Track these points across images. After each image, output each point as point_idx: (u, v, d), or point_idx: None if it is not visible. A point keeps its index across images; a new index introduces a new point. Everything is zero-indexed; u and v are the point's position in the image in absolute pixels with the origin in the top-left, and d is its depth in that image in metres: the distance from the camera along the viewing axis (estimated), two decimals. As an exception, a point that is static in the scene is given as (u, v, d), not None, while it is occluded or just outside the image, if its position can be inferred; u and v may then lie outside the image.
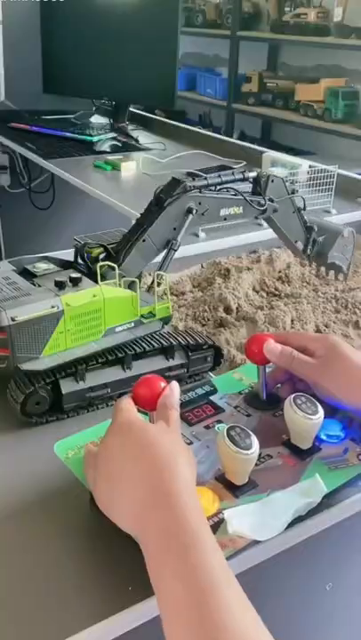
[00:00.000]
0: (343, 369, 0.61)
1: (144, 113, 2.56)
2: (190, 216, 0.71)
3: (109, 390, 0.70)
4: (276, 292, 1.04)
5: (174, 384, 0.56)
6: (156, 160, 1.88)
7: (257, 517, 0.52)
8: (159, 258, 0.73)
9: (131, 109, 2.35)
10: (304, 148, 3.76)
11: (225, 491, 0.54)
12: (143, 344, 0.71)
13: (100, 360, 0.68)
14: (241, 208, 0.76)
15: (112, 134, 2.09)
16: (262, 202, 0.77)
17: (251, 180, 0.78)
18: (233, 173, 0.77)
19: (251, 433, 0.54)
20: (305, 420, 0.57)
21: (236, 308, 0.95)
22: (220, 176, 0.75)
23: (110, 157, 1.86)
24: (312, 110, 3.52)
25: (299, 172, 1.59)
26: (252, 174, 0.78)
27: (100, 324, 0.67)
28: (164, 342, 0.73)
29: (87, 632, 0.46)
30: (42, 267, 0.70)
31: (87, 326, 0.66)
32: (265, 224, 1.25)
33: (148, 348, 0.71)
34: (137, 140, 2.12)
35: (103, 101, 2.29)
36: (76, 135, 2.08)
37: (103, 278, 0.67)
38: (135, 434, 0.50)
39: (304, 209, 0.83)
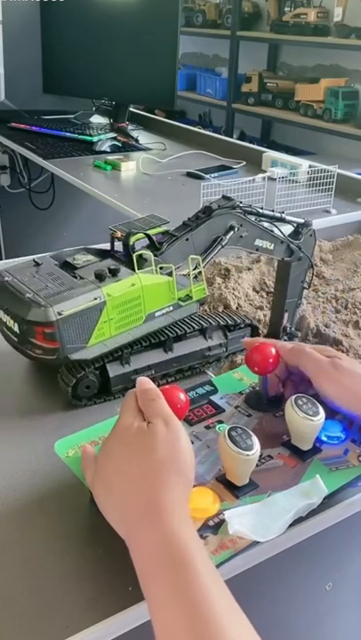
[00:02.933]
0: (350, 375, 0.60)
1: (144, 113, 2.56)
2: (231, 232, 0.74)
3: (153, 372, 0.74)
4: (277, 293, 1.03)
5: (141, 382, 0.56)
6: (156, 160, 1.88)
7: (258, 518, 0.52)
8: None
9: (131, 109, 2.35)
10: (304, 148, 3.77)
11: (226, 491, 0.54)
12: (184, 326, 0.75)
13: (143, 344, 0.72)
14: (273, 245, 0.79)
15: (112, 134, 2.09)
16: (294, 247, 0.81)
17: (295, 224, 0.82)
18: (281, 213, 0.80)
19: (252, 434, 0.54)
20: (306, 422, 0.57)
21: (236, 308, 0.95)
22: (264, 209, 0.79)
23: (110, 157, 1.86)
24: (312, 110, 3.52)
25: (299, 172, 1.59)
26: (299, 220, 0.83)
27: (140, 311, 0.70)
28: (203, 323, 0.76)
29: (87, 632, 0.46)
30: (81, 258, 0.73)
31: (128, 314, 0.69)
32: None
33: (188, 330, 0.75)
34: (137, 140, 2.12)
35: (103, 101, 2.29)
36: (76, 135, 2.08)
37: (141, 265, 0.69)
38: (135, 441, 0.50)
39: (308, 287, 0.87)
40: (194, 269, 0.73)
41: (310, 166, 1.56)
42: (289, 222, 0.82)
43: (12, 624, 0.46)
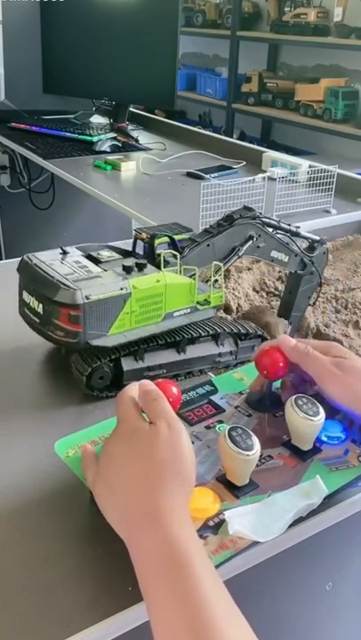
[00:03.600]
0: (354, 375, 0.60)
1: (144, 113, 2.56)
2: (250, 242, 0.77)
3: (165, 371, 0.75)
4: (276, 292, 1.04)
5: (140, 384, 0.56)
6: (156, 160, 1.88)
7: (258, 518, 0.52)
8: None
9: (131, 109, 2.35)
10: (304, 147, 3.77)
11: (226, 491, 0.54)
12: (198, 329, 0.76)
13: (159, 342, 0.73)
14: (288, 257, 0.82)
15: (112, 134, 2.09)
16: (308, 262, 0.84)
17: (310, 240, 0.86)
18: (297, 228, 0.84)
19: (252, 434, 0.54)
20: (306, 422, 0.57)
21: (236, 308, 0.95)
22: (289, 225, 0.83)
23: (110, 157, 1.86)
24: (312, 110, 3.53)
25: (299, 171, 1.59)
26: (315, 237, 0.86)
27: (160, 308, 0.71)
28: (217, 329, 0.78)
29: (87, 632, 0.46)
30: (105, 254, 0.74)
31: (150, 309, 0.70)
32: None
33: (202, 334, 0.76)
34: (137, 140, 2.12)
35: (103, 101, 2.29)
36: (76, 135, 2.08)
37: (165, 265, 0.71)
38: (138, 441, 0.50)
39: (313, 304, 0.92)
40: (215, 275, 0.76)
41: (310, 166, 1.56)
42: (305, 237, 0.85)
43: (12, 624, 0.46)
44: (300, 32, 3.47)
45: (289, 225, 0.82)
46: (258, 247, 0.79)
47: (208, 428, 0.62)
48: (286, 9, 3.56)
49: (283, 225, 0.81)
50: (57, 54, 2.31)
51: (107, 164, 1.81)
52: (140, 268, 0.70)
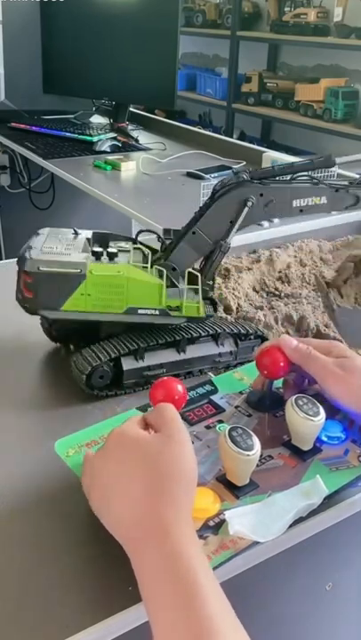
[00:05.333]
0: (354, 374, 0.60)
1: (144, 113, 2.56)
2: (246, 208, 0.67)
3: (165, 370, 0.75)
4: (276, 292, 1.04)
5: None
6: (156, 160, 1.88)
7: (258, 518, 0.52)
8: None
9: (131, 109, 2.35)
10: (304, 147, 3.77)
11: (226, 491, 0.54)
12: (198, 329, 0.76)
13: (159, 342, 0.73)
14: (324, 198, 0.69)
15: (112, 134, 2.09)
16: (353, 191, 0.69)
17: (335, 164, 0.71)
18: (312, 161, 0.70)
19: (252, 434, 0.54)
20: (306, 422, 0.57)
21: (236, 308, 0.95)
22: (293, 164, 0.69)
23: (110, 157, 1.86)
24: (312, 110, 3.53)
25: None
26: (352, 159, 0.72)
27: (122, 300, 0.71)
28: (217, 329, 0.77)
29: (87, 632, 0.46)
30: (120, 244, 0.76)
31: (109, 297, 0.70)
32: (265, 224, 1.25)
33: (202, 334, 0.76)
34: (137, 140, 2.12)
35: (103, 101, 2.29)
36: (76, 135, 2.08)
37: (141, 259, 0.72)
38: (136, 448, 0.49)
39: None
40: (189, 284, 0.72)
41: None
42: (329, 165, 0.70)
43: (12, 624, 0.46)
44: (300, 32, 3.47)
45: (292, 164, 0.68)
46: (267, 207, 0.68)
47: (208, 427, 0.62)
48: (286, 9, 3.57)
49: (293, 167, 0.68)
50: (57, 54, 2.31)
51: (107, 163, 1.81)
52: (111, 257, 0.71)
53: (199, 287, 0.73)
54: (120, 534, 0.48)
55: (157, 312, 0.72)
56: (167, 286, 0.71)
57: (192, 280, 0.73)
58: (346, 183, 0.70)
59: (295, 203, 0.69)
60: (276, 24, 3.65)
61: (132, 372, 0.72)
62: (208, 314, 0.75)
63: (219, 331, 0.78)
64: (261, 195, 0.68)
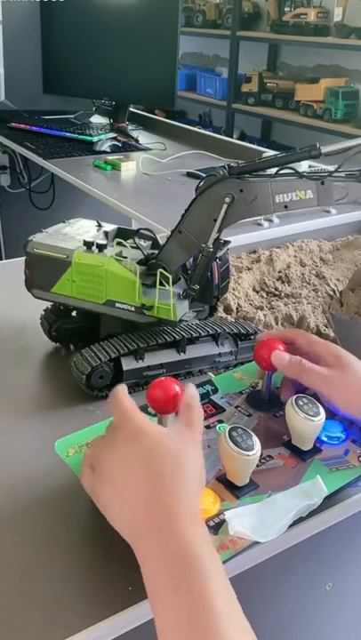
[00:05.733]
0: (352, 383, 0.60)
1: (144, 113, 2.56)
2: (225, 206, 0.64)
3: (165, 370, 0.75)
4: (276, 292, 1.04)
5: (192, 386, 0.55)
6: (156, 160, 1.88)
7: (258, 518, 0.52)
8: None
9: (131, 109, 2.35)
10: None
11: (226, 491, 0.54)
12: (198, 330, 0.76)
13: (158, 342, 0.73)
14: (310, 192, 0.63)
15: (112, 134, 2.09)
16: (341, 183, 0.63)
17: (346, 148, 0.63)
18: (298, 151, 0.63)
19: (252, 434, 0.54)
20: (306, 422, 0.57)
21: (236, 308, 0.95)
22: (276, 157, 0.63)
23: (110, 157, 1.86)
24: (312, 110, 3.53)
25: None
26: (352, 142, 0.63)
27: (101, 291, 0.73)
28: (217, 329, 0.78)
29: (87, 632, 0.46)
30: (140, 242, 0.77)
31: (90, 287, 0.73)
32: (265, 224, 1.25)
33: (202, 334, 0.76)
34: (137, 140, 2.12)
35: (103, 101, 2.29)
36: (76, 135, 2.08)
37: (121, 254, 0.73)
38: (147, 443, 0.48)
39: None
40: (161, 285, 0.70)
41: (310, 166, 1.55)
42: (314, 156, 0.63)
43: (12, 624, 0.46)
44: (300, 32, 3.47)
45: (276, 155, 0.64)
46: (251, 204, 0.63)
47: (208, 427, 0.62)
48: (286, 9, 3.56)
49: (269, 160, 0.63)
50: (57, 54, 2.31)
51: (107, 163, 1.81)
52: (100, 248, 0.73)
53: (170, 289, 0.70)
54: (128, 531, 0.47)
55: (133, 308, 0.73)
56: (149, 286, 0.71)
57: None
58: (329, 173, 0.64)
59: (278, 198, 0.64)
60: (276, 24, 3.65)
61: (131, 373, 0.73)
62: (151, 320, 0.73)
63: (219, 331, 0.78)
64: (242, 190, 0.64)
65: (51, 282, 0.74)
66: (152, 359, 0.74)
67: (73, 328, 0.79)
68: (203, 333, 0.76)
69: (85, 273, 0.73)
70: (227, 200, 0.64)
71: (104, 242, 0.73)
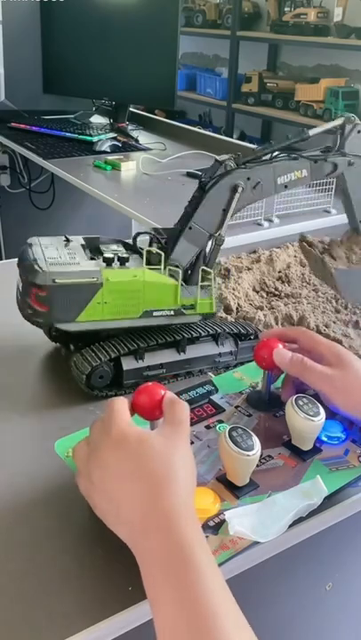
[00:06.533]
0: (353, 382, 0.60)
1: (144, 113, 2.56)
2: (236, 195, 0.69)
3: (164, 370, 0.75)
4: (276, 292, 1.04)
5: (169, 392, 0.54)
6: (156, 160, 1.88)
7: (258, 518, 0.52)
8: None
9: (131, 109, 2.35)
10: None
11: (226, 491, 0.54)
12: (198, 329, 0.76)
13: (158, 342, 0.73)
14: (305, 171, 0.73)
15: (112, 134, 2.09)
16: (337, 160, 0.74)
17: (328, 129, 0.75)
18: (288, 137, 0.74)
19: (252, 434, 0.54)
20: (306, 422, 0.57)
21: (236, 309, 0.95)
22: (271, 144, 0.73)
23: (110, 157, 1.86)
24: (312, 110, 3.53)
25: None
26: (334, 123, 0.76)
27: (138, 304, 0.71)
28: (217, 329, 0.77)
29: (87, 632, 0.46)
30: (112, 247, 0.75)
31: (125, 303, 0.70)
32: (266, 224, 1.25)
33: (202, 334, 0.76)
34: (137, 140, 2.12)
35: (103, 101, 2.29)
36: (76, 135, 2.08)
37: (152, 261, 0.71)
38: (130, 447, 0.48)
39: None
40: (202, 281, 0.73)
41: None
42: (304, 139, 0.74)
43: (12, 624, 0.46)
44: (300, 32, 3.47)
45: (271, 143, 0.73)
46: (255, 188, 0.70)
47: (208, 427, 0.62)
48: (286, 9, 3.57)
49: (273, 146, 0.72)
50: (57, 54, 2.31)
51: (107, 163, 1.81)
52: (123, 262, 0.70)
53: (212, 284, 0.73)
54: (125, 534, 0.47)
55: (172, 312, 0.73)
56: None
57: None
58: (319, 153, 0.75)
59: (280, 180, 0.72)
60: (276, 24, 3.65)
61: (132, 372, 0.72)
62: (193, 319, 0.75)
63: (219, 331, 0.78)
64: (249, 178, 0.70)
65: (77, 310, 0.68)
66: (152, 359, 0.74)
67: None
68: (203, 333, 0.76)
69: (119, 291, 0.69)
70: (239, 189, 0.69)
71: (127, 255, 0.71)
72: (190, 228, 0.71)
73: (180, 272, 0.71)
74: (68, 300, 0.68)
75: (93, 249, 0.74)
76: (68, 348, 0.80)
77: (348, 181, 0.79)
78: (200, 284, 0.73)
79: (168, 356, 0.75)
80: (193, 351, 0.77)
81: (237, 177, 0.70)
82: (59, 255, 0.70)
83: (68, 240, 0.74)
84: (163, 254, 0.71)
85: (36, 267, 0.67)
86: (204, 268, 0.73)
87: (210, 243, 0.72)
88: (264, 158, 0.72)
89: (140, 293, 0.70)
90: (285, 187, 0.72)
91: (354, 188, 0.80)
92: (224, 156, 0.70)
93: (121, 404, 0.52)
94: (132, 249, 0.76)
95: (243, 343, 0.80)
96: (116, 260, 0.70)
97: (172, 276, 0.72)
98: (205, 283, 0.73)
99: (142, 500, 0.46)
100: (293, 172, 0.72)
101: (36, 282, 0.66)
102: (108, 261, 0.70)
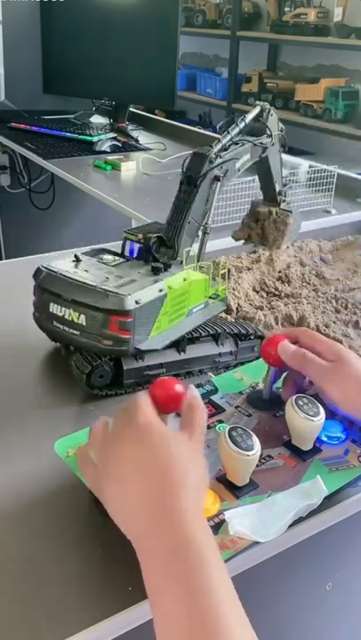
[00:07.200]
0: (350, 379, 0.60)
1: (144, 113, 2.56)
2: (218, 184, 0.75)
3: (165, 370, 0.74)
4: (276, 292, 1.04)
5: (194, 387, 0.55)
6: (156, 160, 1.88)
7: (258, 518, 0.52)
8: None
9: (131, 109, 2.35)
10: (304, 148, 3.76)
11: (226, 491, 0.54)
12: (199, 329, 0.76)
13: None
14: (248, 155, 0.82)
15: (112, 134, 2.09)
16: (265, 140, 0.86)
17: (253, 117, 0.86)
18: (237, 124, 0.83)
19: (252, 434, 0.54)
20: (306, 422, 0.57)
21: (236, 309, 0.95)
22: (228, 132, 0.81)
23: (110, 157, 1.86)
24: (312, 110, 3.52)
25: (299, 171, 1.59)
26: (255, 111, 0.87)
27: (185, 306, 0.72)
28: (217, 329, 0.78)
29: (87, 632, 0.46)
30: (109, 258, 0.73)
31: (178, 307, 0.71)
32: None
33: (203, 334, 0.76)
34: (137, 140, 2.12)
35: (103, 101, 2.29)
36: (76, 135, 2.08)
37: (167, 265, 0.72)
38: (153, 441, 0.48)
39: (285, 149, 0.95)
40: (223, 270, 0.77)
41: (310, 166, 1.56)
42: (253, 120, 0.86)
43: (13, 624, 0.46)
44: (300, 32, 3.47)
45: (231, 128, 0.82)
46: (225, 176, 0.78)
47: (208, 427, 0.62)
48: (286, 9, 3.56)
49: (231, 134, 0.81)
50: (57, 54, 2.31)
51: (107, 163, 1.81)
52: (166, 268, 0.71)
53: (226, 272, 0.78)
54: (131, 528, 0.47)
55: (203, 305, 0.74)
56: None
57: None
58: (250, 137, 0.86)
59: (237, 165, 0.80)
60: (276, 24, 3.65)
61: (132, 372, 0.72)
62: (218, 309, 0.80)
63: (219, 331, 0.78)
64: (221, 167, 0.77)
65: (149, 327, 0.67)
66: (152, 359, 0.74)
67: None
68: (203, 333, 0.76)
69: (176, 297, 0.70)
70: (221, 180, 0.76)
71: (160, 265, 0.71)
72: (189, 222, 0.74)
73: (212, 266, 0.75)
74: (145, 320, 0.66)
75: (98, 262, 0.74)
76: (68, 348, 0.80)
77: (271, 158, 0.91)
78: (220, 271, 0.77)
79: (168, 355, 0.75)
80: (193, 351, 0.77)
81: (217, 168, 0.76)
82: (104, 277, 0.68)
83: (77, 259, 0.72)
84: (195, 252, 0.74)
85: (112, 294, 0.64)
86: (224, 257, 0.79)
87: (199, 233, 0.77)
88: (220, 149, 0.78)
89: (187, 294, 0.71)
90: (239, 170, 0.81)
91: (273, 161, 0.92)
92: (204, 149, 0.76)
93: (145, 397, 0.52)
94: (120, 255, 0.75)
95: (243, 343, 0.80)
96: (162, 267, 0.70)
97: (201, 269, 0.74)
98: (222, 270, 0.78)
99: (153, 497, 0.46)
100: (243, 157, 0.81)
101: (121, 308, 0.64)
102: (157, 270, 0.69)
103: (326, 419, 0.58)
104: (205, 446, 0.59)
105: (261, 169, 0.93)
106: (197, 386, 0.68)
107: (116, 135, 2.10)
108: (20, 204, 2.48)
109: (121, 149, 2.03)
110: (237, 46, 3.91)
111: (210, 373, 0.79)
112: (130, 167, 1.80)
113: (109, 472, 0.49)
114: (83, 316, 0.66)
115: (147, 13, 2.04)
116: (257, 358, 0.80)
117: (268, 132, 0.87)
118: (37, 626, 0.46)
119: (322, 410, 0.58)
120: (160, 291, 0.67)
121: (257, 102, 0.90)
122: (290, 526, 0.52)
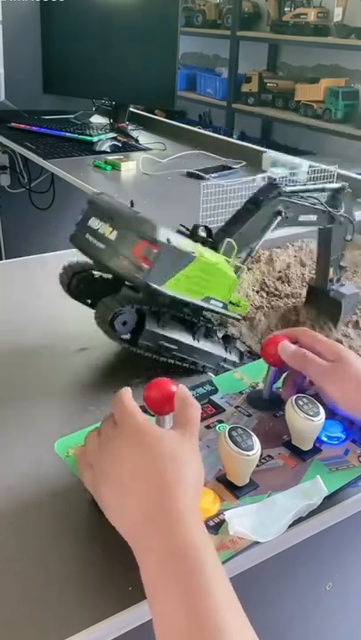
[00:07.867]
0: (350, 379, 0.60)
1: (144, 113, 2.56)
2: (279, 218, 0.78)
3: (176, 349, 0.74)
4: (276, 292, 1.04)
5: (182, 386, 0.54)
6: (156, 160, 1.88)
7: (258, 518, 0.52)
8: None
9: (131, 109, 2.35)
10: (304, 148, 3.77)
11: (226, 491, 0.54)
12: (212, 320, 0.77)
13: (185, 315, 0.74)
14: (315, 216, 0.84)
15: (112, 134, 2.09)
16: (336, 214, 0.86)
17: (334, 188, 0.87)
18: (322, 186, 0.86)
19: (252, 434, 0.54)
20: (306, 422, 0.57)
21: (237, 309, 0.95)
22: (306, 184, 0.90)
23: (110, 157, 1.86)
24: (312, 110, 3.53)
25: (299, 172, 1.59)
26: (337, 185, 0.87)
27: (205, 288, 0.71)
28: (230, 333, 0.79)
29: (87, 632, 0.46)
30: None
31: (198, 281, 0.70)
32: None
33: (219, 330, 0.77)
34: (137, 140, 2.12)
35: (103, 101, 2.29)
36: (76, 135, 2.08)
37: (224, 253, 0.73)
38: (146, 442, 0.48)
39: (350, 239, 0.93)
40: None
41: (310, 166, 1.56)
42: (330, 190, 0.86)
43: (12, 624, 0.46)
44: (300, 32, 3.47)
45: (314, 183, 0.87)
46: (286, 218, 0.79)
47: (208, 427, 0.62)
48: (286, 9, 3.56)
49: (309, 187, 0.83)
50: (57, 54, 2.31)
51: (107, 163, 1.81)
52: (205, 245, 0.72)
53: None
54: (129, 530, 0.47)
55: (221, 305, 0.73)
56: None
57: None
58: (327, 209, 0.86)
59: (301, 217, 0.82)
60: (276, 24, 3.65)
61: (150, 334, 0.71)
62: (234, 315, 0.78)
63: (230, 336, 0.79)
64: (287, 207, 0.79)
65: (167, 276, 0.67)
66: (171, 332, 0.74)
67: (93, 282, 0.78)
68: (220, 330, 0.78)
69: (201, 269, 0.69)
70: (282, 215, 0.78)
71: (210, 240, 0.73)
72: (240, 234, 0.76)
73: (245, 269, 0.75)
74: (168, 264, 0.66)
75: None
76: (86, 303, 0.79)
77: (333, 239, 0.89)
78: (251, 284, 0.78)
79: (184, 337, 0.75)
80: (205, 345, 0.77)
81: (283, 203, 0.78)
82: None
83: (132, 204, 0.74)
84: (236, 248, 0.74)
85: (150, 221, 0.65)
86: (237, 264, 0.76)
87: (244, 253, 0.78)
88: (294, 190, 0.80)
89: (213, 278, 0.70)
90: (300, 224, 0.83)
91: (334, 247, 0.90)
92: (278, 179, 0.81)
93: (129, 397, 0.52)
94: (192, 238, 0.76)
95: (246, 361, 0.80)
96: (201, 242, 0.71)
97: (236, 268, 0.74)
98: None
99: (151, 498, 0.46)
100: (310, 215, 0.84)
101: (154, 237, 0.64)
102: (196, 241, 0.71)
103: (326, 419, 0.58)
104: (205, 446, 0.59)
105: (321, 244, 0.93)
106: (197, 386, 0.69)
107: (116, 135, 2.10)
108: (20, 204, 2.48)
109: (121, 149, 2.03)
110: (237, 46, 3.91)
111: (210, 373, 0.79)
112: (130, 167, 1.80)
113: (107, 475, 0.49)
114: (115, 232, 0.67)
115: (147, 13, 2.04)
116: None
117: (340, 211, 0.87)
118: (37, 626, 0.46)
119: (322, 410, 0.58)
120: (192, 251, 0.67)
121: (342, 183, 0.89)
122: (290, 526, 0.52)
